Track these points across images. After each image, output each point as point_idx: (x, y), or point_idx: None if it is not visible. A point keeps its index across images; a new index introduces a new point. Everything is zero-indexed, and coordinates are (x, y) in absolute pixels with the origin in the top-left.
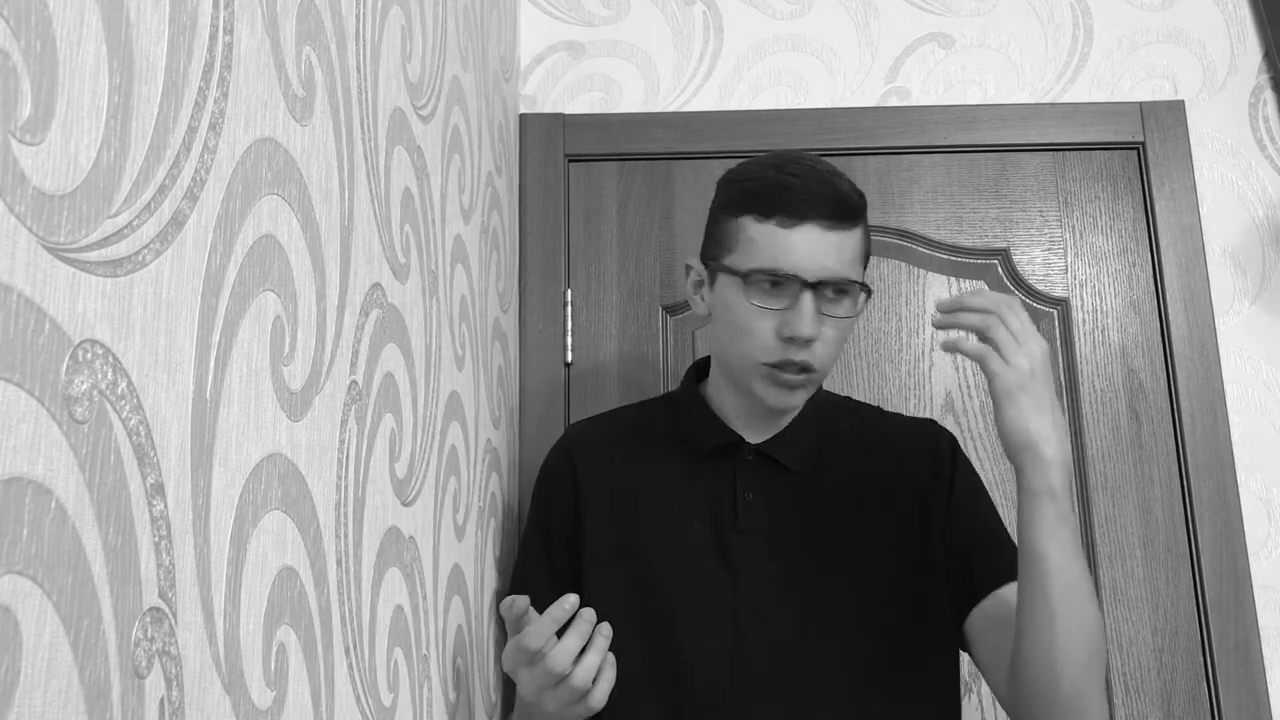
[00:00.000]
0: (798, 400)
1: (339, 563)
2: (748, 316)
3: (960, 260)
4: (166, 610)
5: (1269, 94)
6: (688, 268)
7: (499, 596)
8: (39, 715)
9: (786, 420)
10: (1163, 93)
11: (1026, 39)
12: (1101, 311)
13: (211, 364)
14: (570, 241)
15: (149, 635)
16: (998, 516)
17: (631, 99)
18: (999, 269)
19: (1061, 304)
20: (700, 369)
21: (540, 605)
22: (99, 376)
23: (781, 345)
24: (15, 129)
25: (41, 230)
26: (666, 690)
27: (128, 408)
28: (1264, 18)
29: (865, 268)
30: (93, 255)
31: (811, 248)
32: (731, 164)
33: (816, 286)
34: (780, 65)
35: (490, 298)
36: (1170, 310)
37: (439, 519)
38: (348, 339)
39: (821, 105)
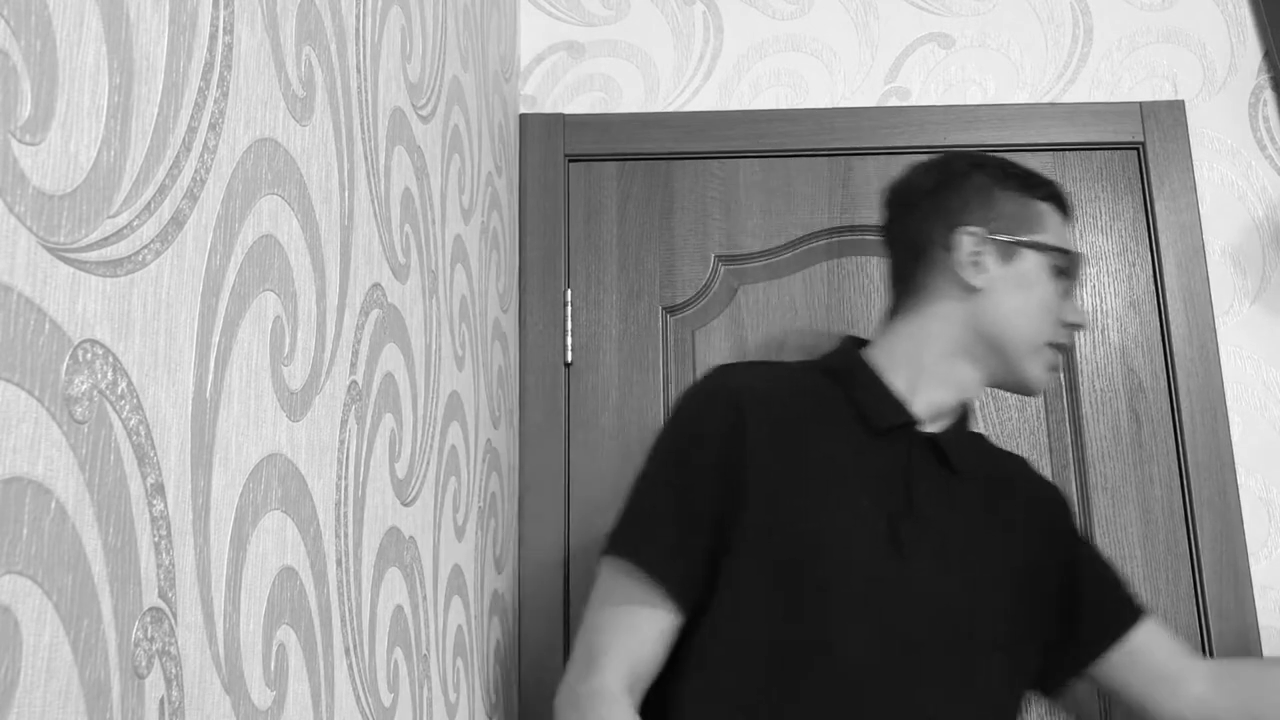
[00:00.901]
0: (1052, 382)
1: (339, 563)
2: (1050, 294)
3: None
4: (166, 610)
5: (1269, 94)
6: (966, 236)
7: (499, 598)
8: (39, 715)
9: (952, 418)
10: (1163, 93)
11: (1026, 39)
12: (1101, 311)
13: (211, 364)
14: (570, 241)
15: (149, 635)
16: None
17: (631, 99)
18: None
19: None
20: (856, 344)
21: (668, 547)
22: (99, 376)
23: (1063, 329)
24: (15, 129)
25: (41, 230)
26: (818, 661)
27: (128, 408)
28: (1264, 18)
29: None
30: (93, 255)
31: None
32: (731, 164)
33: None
34: (780, 65)
35: (490, 298)
36: (1170, 310)
37: (439, 519)
38: (348, 339)
39: (821, 105)
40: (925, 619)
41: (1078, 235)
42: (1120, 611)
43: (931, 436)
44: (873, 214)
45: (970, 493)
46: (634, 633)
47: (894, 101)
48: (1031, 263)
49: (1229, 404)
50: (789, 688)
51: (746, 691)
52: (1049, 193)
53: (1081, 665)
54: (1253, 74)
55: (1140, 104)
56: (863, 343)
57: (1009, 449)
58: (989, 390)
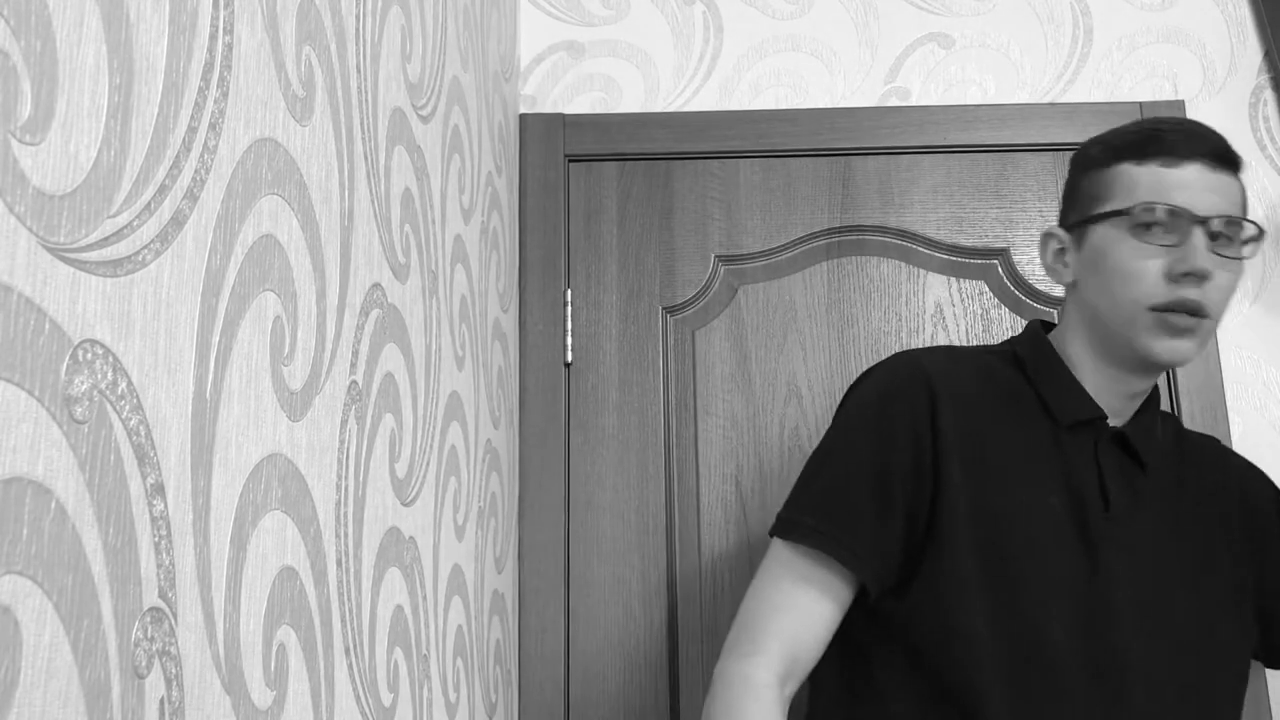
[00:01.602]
0: (1189, 350)
1: (339, 563)
2: (1132, 256)
3: (960, 260)
4: (166, 610)
5: (1269, 94)
6: (1046, 238)
7: (499, 598)
8: (39, 715)
9: (1137, 408)
10: (1163, 93)
11: (1026, 39)
12: None
13: (211, 364)
14: (570, 241)
15: (149, 635)
16: None
17: (631, 99)
18: (999, 269)
19: (1062, 304)
20: (1044, 330)
21: (861, 536)
22: (99, 376)
23: (1170, 286)
24: (15, 129)
25: (41, 230)
26: (1013, 659)
27: (128, 408)
28: (1264, 18)
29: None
30: (93, 255)
31: (1199, 183)
32: (731, 164)
33: (1207, 222)
34: (780, 65)
35: (490, 298)
36: None
37: (439, 519)
38: (348, 339)
39: (821, 105)
40: (1122, 623)
41: None
42: None
43: (1120, 431)
44: (873, 214)
45: (1162, 488)
46: (807, 619)
47: (894, 101)
48: (1099, 235)
49: (1229, 404)
50: (1002, 679)
51: (955, 683)
52: (1127, 150)
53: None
54: (1253, 74)
55: (1140, 104)
56: (1051, 326)
57: None
58: None
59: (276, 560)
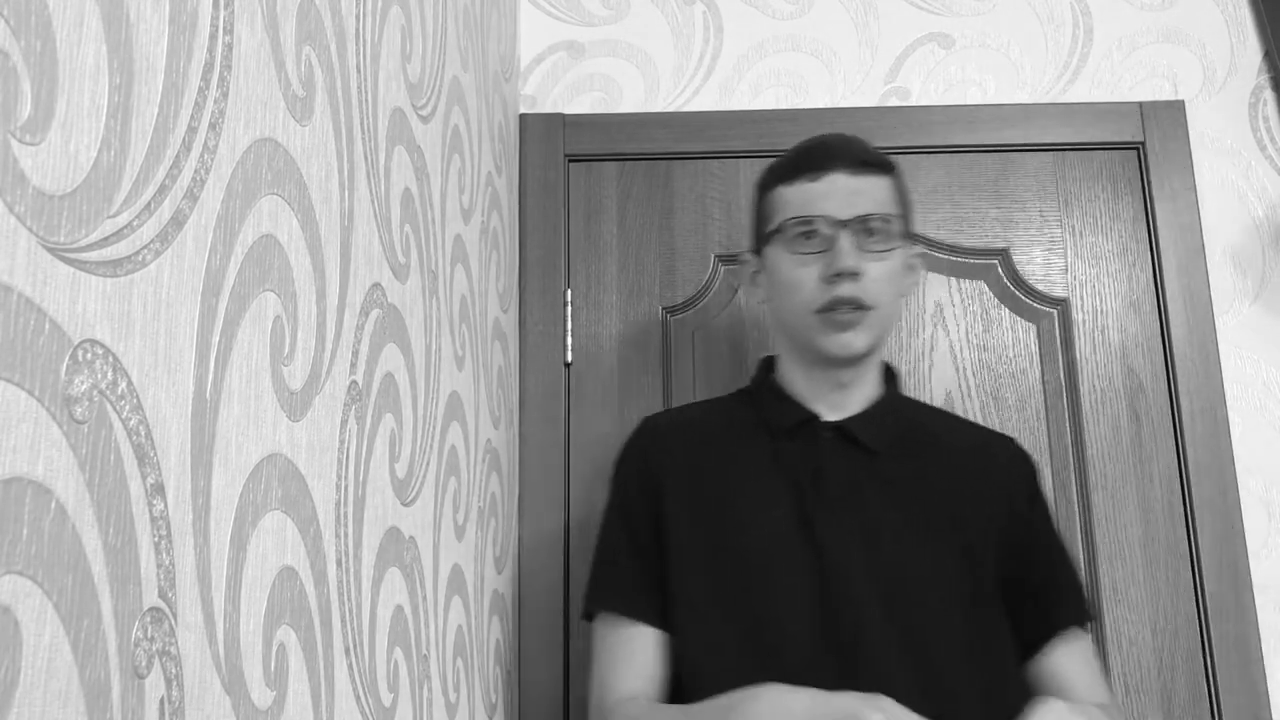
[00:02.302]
0: (859, 342)
1: (339, 563)
2: (792, 268)
3: (960, 260)
4: (166, 610)
5: (1269, 94)
6: (743, 264)
7: (499, 598)
8: (39, 715)
9: (865, 403)
10: (1163, 93)
11: (1026, 39)
12: (1101, 311)
13: (211, 364)
14: (570, 241)
15: (149, 635)
16: (1066, 550)
17: (631, 99)
18: (999, 269)
19: (1061, 304)
20: (769, 363)
21: (627, 586)
22: (99, 376)
23: (826, 287)
24: (15, 129)
25: (41, 230)
26: (759, 664)
27: (128, 408)
28: (1264, 18)
29: (908, 223)
30: (93, 255)
31: (841, 190)
32: (731, 164)
33: (849, 224)
34: (780, 65)
35: (490, 298)
36: (1170, 310)
37: (439, 519)
38: (348, 339)
39: (821, 105)
40: (846, 611)
41: (1078, 235)
42: (1046, 619)
43: (840, 425)
44: None
45: (895, 468)
46: (633, 657)
47: (894, 101)
48: (769, 255)
49: (1229, 404)
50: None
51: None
52: (779, 174)
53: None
54: (1253, 74)
55: (1140, 104)
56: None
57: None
58: (991, 390)
59: (276, 560)
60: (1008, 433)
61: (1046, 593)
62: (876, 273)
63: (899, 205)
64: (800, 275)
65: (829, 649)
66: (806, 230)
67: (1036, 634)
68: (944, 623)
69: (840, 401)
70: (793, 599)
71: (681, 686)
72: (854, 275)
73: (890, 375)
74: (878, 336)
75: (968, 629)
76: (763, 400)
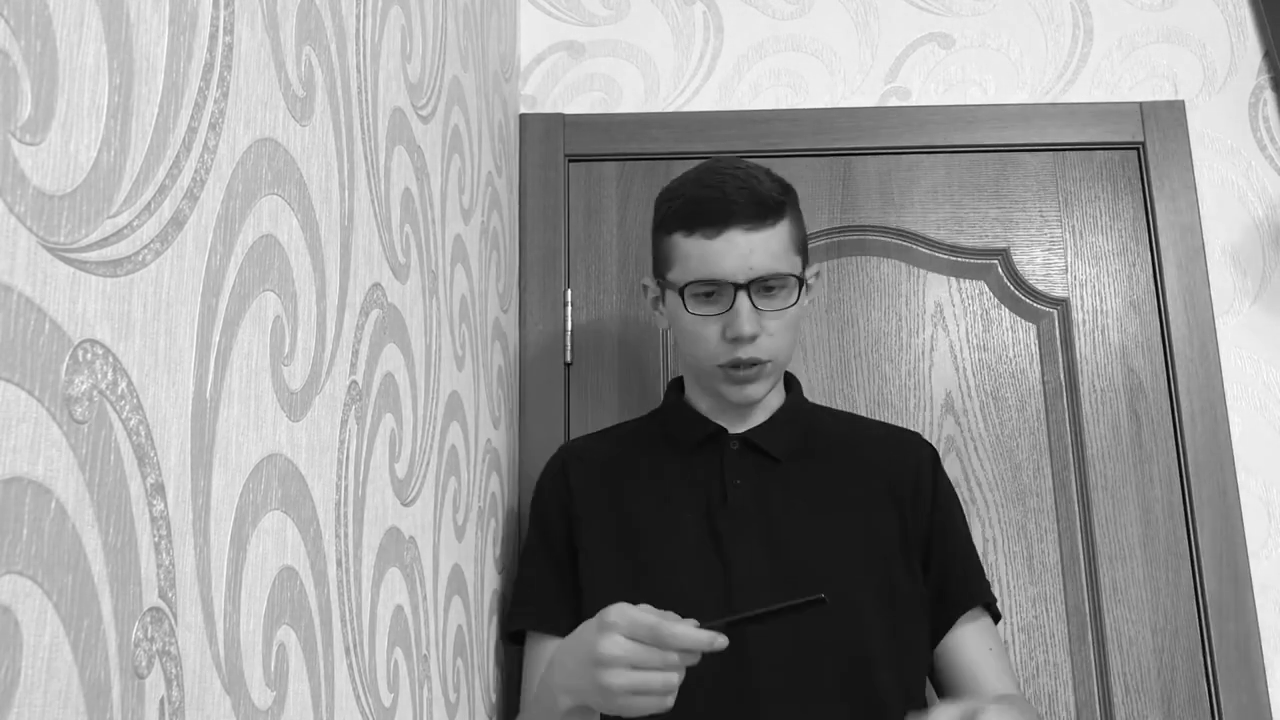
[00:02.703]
0: (757, 392)
1: (339, 563)
2: (693, 325)
3: (960, 260)
4: (166, 610)
5: (1269, 94)
6: (644, 286)
7: (500, 599)
8: (39, 715)
9: (769, 412)
10: (1163, 93)
11: (1026, 39)
12: (1101, 311)
13: (211, 364)
14: (570, 241)
15: (149, 635)
16: (969, 537)
17: (631, 99)
18: (999, 269)
19: (1061, 304)
20: (679, 384)
21: (546, 603)
22: (99, 376)
23: (728, 346)
24: (15, 129)
25: (41, 230)
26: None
27: (128, 408)
28: (1264, 18)
29: (804, 256)
30: (93, 255)
31: (736, 251)
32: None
33: (749, 286)
34: (780, 65)
35: (490, 298)
36: (1170, 310)
37: (439, 519)
38: (348, 339)
39: (821, 105)
40: (758, 598)
41: (1078, 235)
42: (944, 603)
43: (744, 435)
44: (873, 214)
45: (797, 473)
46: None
47: (894, 101)
48: (669, 299)
49: (1229, 404)
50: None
51: None
52: (675, 221)
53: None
54: (1253, 74)
55: (1140, 104)
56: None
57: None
58: (991, 390)
59: (276, 560)
60: (1008, 433)
61: (945, 579)
62: (775, 328)
63: (795, 246)
64: (703, 333)
65: (740, 665)
66: (705, 293)
67: (939, 621)
68: (856, 627)
69: (745, 414)
70: (701, 614)
71: None
72: (753, 338)
73: (791, 383)
74: (777, 377)
75: (883, 630)
76: (670, 419)
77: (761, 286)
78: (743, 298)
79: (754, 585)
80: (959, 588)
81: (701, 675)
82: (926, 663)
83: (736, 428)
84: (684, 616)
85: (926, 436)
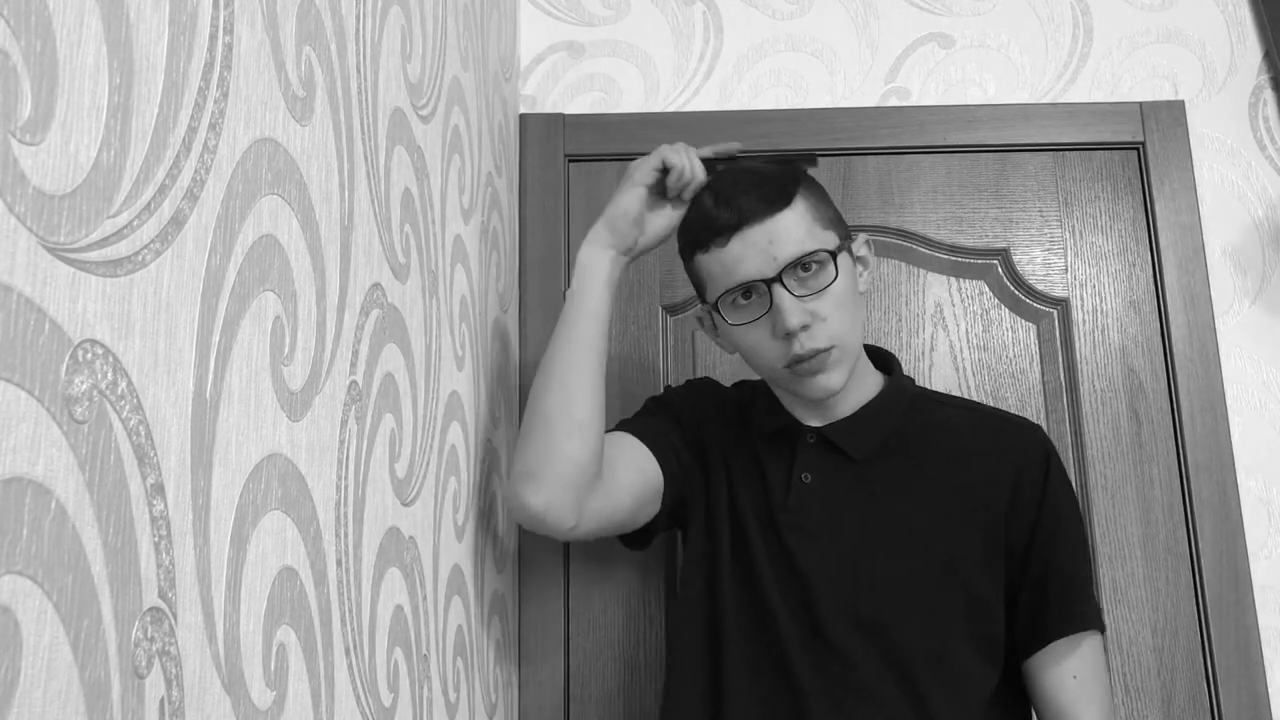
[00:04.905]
0: (832, 380)
1: (339, 563)
2: (743, 336)
3: (960, 260)
4: (166, 610)
5: (1269, 94)
6: (699, 318)
7: (500, 599)
8: (39, 715)
9: (857, 405)
10: (1163, 93)
11: (1026, 39)
12: (1101, 311)
13: (211, 364)
14: (570, 241)
15: (149, 635)
16: (1084, 550)
17: (631, 99)
18: (999, 269)
19: (1061, 304)
20: None
21: (657, 435)
22: (99, 376)
23: (783, 345)
24: (15, 129)
25: (41, 230)
26: (757, 645)
27: (128, 408)
28: (1264, 18)
29: (838, 230)
30: (93, 255)
31: (755, 247)
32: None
33: (780, 277)
34: (780, 65)
35: (490, 298)
36: (1170, 310)
37: (439, 519)
38: (348, 339)
39: (822, 105)
40: (796, 623)
41: (1078, 235)
42: (1042, 626)
43: (822, 430)
44: (873, 214)
45: (887, 471)
46: (619, 441)
47: (894, 101)
48: (718, 321)
49: (1229, 404)
50: (740, 680)
51: (708, 681)
52: (693, 245)
53: (1022, 652)
54: (1253, 74)
55: (1140, 104)
56: None
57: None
58: (991, 390)
59: (276, 560)
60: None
61: (1041, 597)
62: (826, 309)
63: (820, 222)
64: (756, 341)
65: (817, 671)
66: (740, 301)
67: (1027, 641)
68: (922, 644)
69: (829, 410)
70: (788, 625)
71: (671, 656)
72: (804, 328)
73: (886, 362)
74: (852, 361)
75: (950, 647)
76: (752, 403)
77: (795, 273)
78: (779, 291)
79: (799, 588)
80: (1054, 610)
81: (755, 698)
82: (990, 685)
83: (816, 422)
84: (749, 603)
85: None
